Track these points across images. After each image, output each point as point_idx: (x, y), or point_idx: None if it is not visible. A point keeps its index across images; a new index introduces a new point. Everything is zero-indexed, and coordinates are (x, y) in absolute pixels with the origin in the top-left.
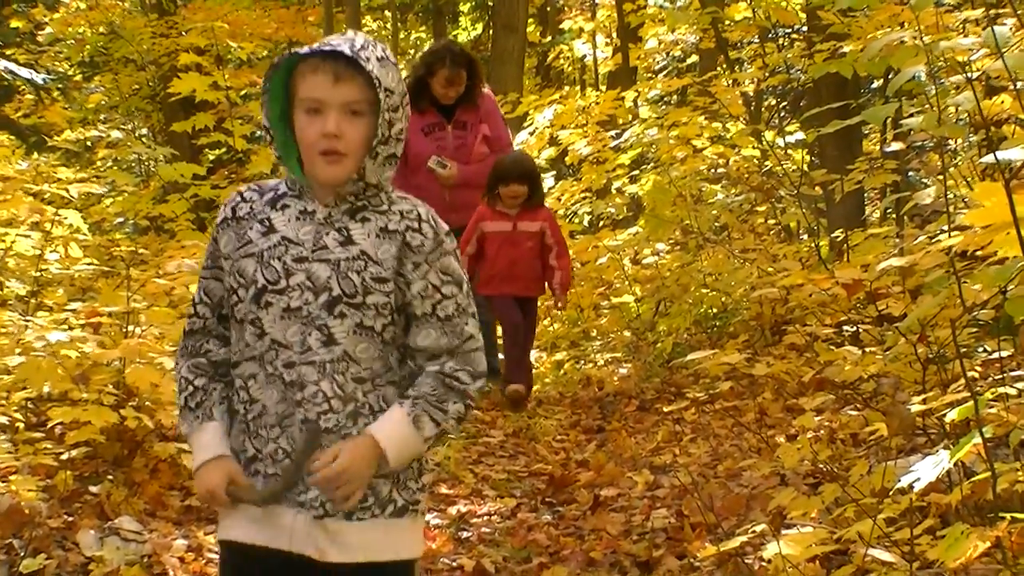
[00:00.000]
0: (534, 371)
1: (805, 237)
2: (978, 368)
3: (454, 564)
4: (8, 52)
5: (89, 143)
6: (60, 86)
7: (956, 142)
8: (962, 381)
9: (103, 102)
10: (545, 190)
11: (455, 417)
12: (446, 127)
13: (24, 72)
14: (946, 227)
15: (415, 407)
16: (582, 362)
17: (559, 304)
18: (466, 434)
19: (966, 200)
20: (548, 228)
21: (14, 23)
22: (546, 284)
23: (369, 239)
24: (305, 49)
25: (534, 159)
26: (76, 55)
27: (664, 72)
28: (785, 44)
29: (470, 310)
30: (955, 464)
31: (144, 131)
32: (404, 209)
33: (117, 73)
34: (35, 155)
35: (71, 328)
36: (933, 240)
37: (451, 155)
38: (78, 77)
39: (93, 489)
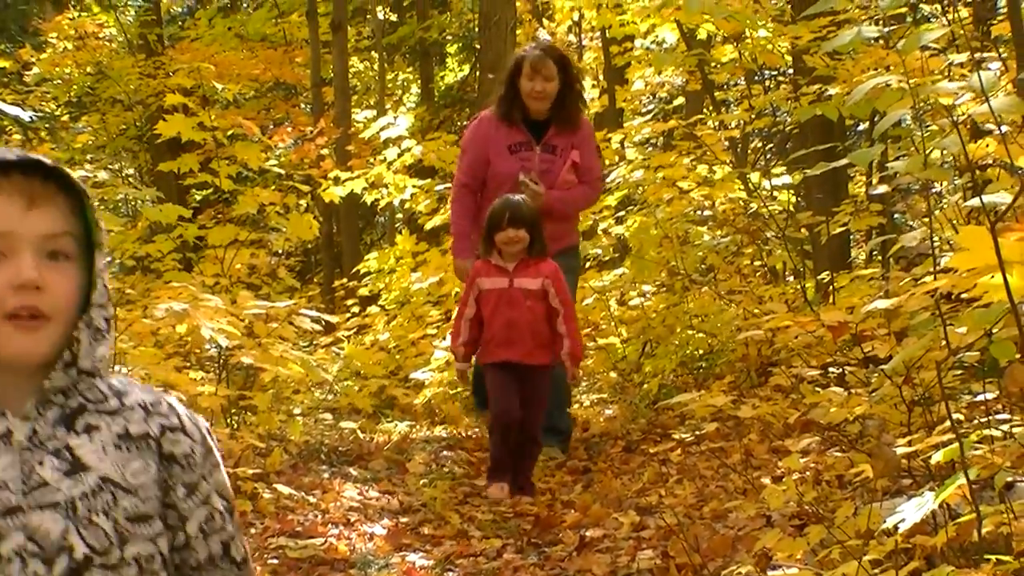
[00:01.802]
0: None
1: (791, 279)
2: (963, 410)
3: None
4: None
5: None
6: (47, 126)
7: (941, 185)
8: (947, 423)
9: (90, 142)
10: None
11: None
12: (533, 148)
13: (12, 110)
14: (931, 270)
15: None
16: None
17: (571, 378)
18: (452, 475)
19: (951, 243)
20: (552, 286)
21: (1, 63)
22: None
23: (108, 456)
24: None
25: (533, 207)
26: (63, 95)
27: (651, 114)
28: (771, 86)
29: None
30: (940, 506)
31: (131, 171)
32: (145, 401)
33: (104, 113)
34: None
35: None
36: (918, 282)
37: None
38: (65, 117)
39: None
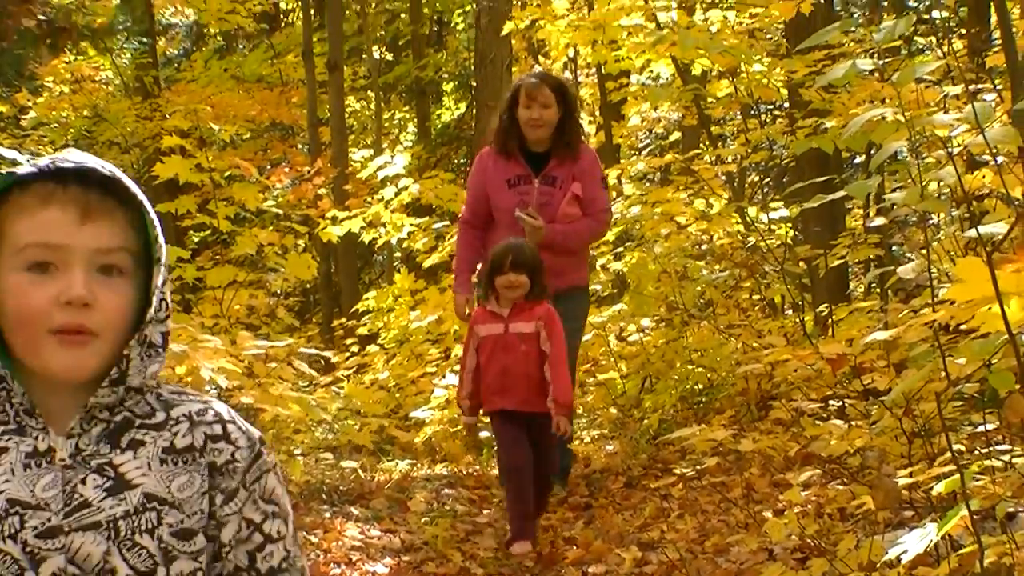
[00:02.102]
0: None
1: (790, 312)
2: (964, 441)
3: None
4: None
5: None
6: None
7: (939, 217)
8: (948, 454)
9: None
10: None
11: None
12: (532, 180)
13: (9, 154)
14: (930, 301)
15: None
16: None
17: (559, 428)
18: (454, 513)
19: (949, 274)
20: (544, 329)
21: None
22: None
23: (152, 472)
24: (27, 167)
25: (535, 250)
26: (60, 138)
27: (647, 149)
28: (767, 120)
29: (300, 564)
30: (942, 537)
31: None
32: (191, 411)
33: (102, 156)
34: None
35: None
36: (917, 314)
37: None
38: None
39: None
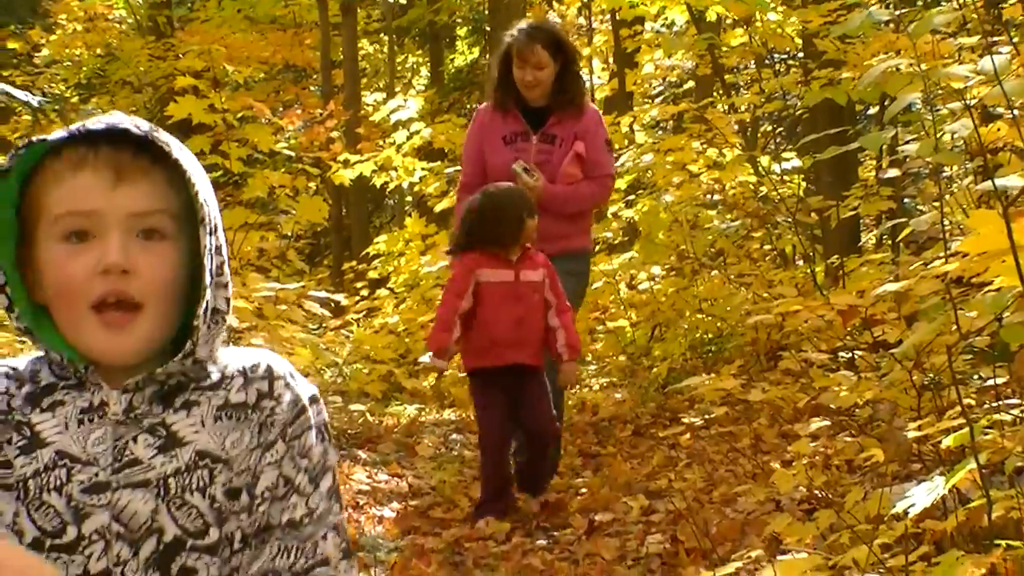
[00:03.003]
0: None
1: (801, 263)
2: (974, 395)
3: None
4: (5, 73)
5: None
6: (57, 108)
7: (952, 169)
8: (957, 408)
9: None
10: None
11: None
12: (530, 137)
13: (20, 94)
14: (942, 254)
15: None
16: (577, 386)
17: (564, 380)
18: (461, 459)
19: (962, 227)
20: (547, 277)
21: (11, 44)
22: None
23: (206, 428)
24: (59, 133)
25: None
26: (73, 77)
27: (660, 98)
28: (781, 70)
29: (331, 519)
30: (950, 491)
31: None
32: (244, 367)
33: (114, 95)
34: None
35: None
36: (929, 267)
37: None
38: (75, 99)
39: None
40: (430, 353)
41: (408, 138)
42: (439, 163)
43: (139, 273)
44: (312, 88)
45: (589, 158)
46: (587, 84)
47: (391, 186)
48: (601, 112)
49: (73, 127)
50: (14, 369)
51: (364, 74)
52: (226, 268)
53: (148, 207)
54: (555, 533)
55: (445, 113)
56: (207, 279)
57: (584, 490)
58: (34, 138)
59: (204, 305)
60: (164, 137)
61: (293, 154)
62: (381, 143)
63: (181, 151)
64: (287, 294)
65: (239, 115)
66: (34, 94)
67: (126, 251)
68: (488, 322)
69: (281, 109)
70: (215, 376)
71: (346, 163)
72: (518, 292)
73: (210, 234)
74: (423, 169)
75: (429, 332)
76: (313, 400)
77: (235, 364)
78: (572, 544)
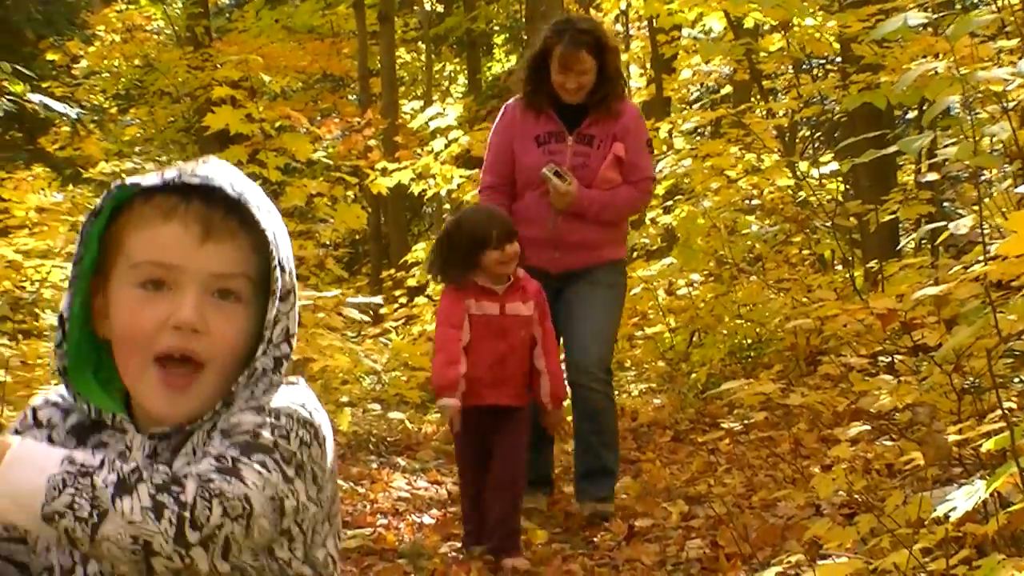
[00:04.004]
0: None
1: (839, 268)
2: (1014, 398)
3: None
4: (44, 85)
5: (124, 175)
6: (95, 119)
7: (991, 172)
8: (998, 411)
9: (138, 135)
10: None
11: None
12: (566, 138)
13: (59, 106)
14: (981, 257)
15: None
16: (616, 392)
17: (548, 422)
18: None
19: (1001, 230)
20: (538, 310)
21: (50, 56)
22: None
23: None
24: (151, 177)
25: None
26: (112, 88)
27: (698, 103)
28: (819, 75)
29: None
30: (991, 494)
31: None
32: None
33: (152, 106)
34: (70, 187)
35: None
36: (968, 270)
37: None
38: (113, 110)
39: None
40: (443, 399)
41: (446, 146)
42: (477, 170)
43: (208, 333)
44: (350, 97)
45: (628, 160)
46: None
47: (429, 194)
48: (640, 115)
49: (168, 174)
50: (63, 397)
51: (402, 82)
52: (291, 331)
53: (229, 269)
54: (595, 539)
55: (483, 121)
56: (261, 349)
57: (624, 495)
58: (128, 180)
59: (252, 370)
60: (255, 199)
61: (331, 163)
62: (419, 151)
63: (269, 214)
64: (326, 302)
65: (277, 124)
66: (72, 105)
67: (200, 310)
68: (469, 358)
69: (319, 118)
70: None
71: (384, 171)
72: (504, 327)
73: (281, 300)
74: (461, 177)
75: (433, 370)
76: (272, 426)
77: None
78: (612, 550)
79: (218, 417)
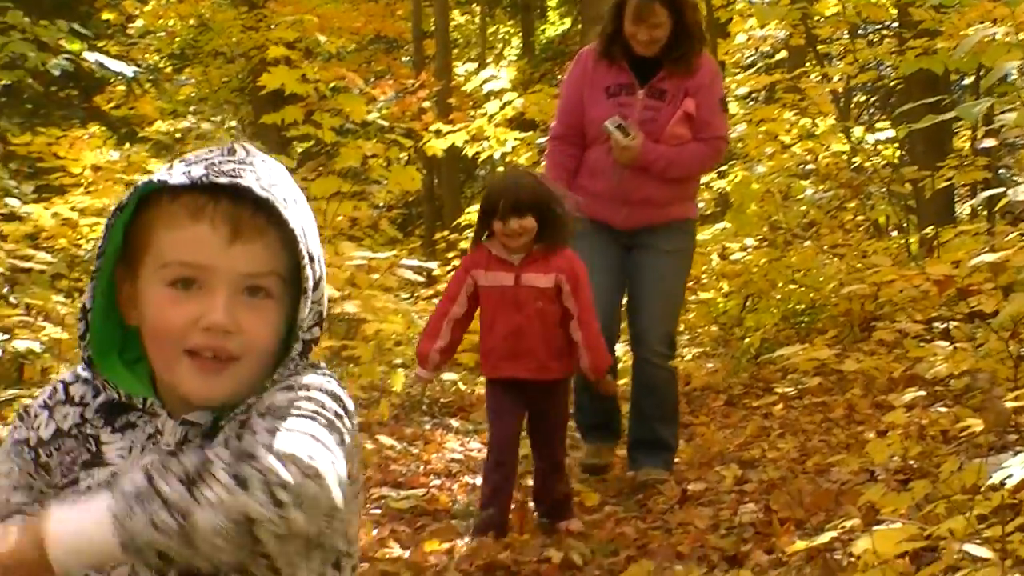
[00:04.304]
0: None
1: (894, 234)
2: None
3: (542, 556)
4: (100, 44)
5: (179, 135)
6: (150, 78)
7: None
8: None
9: (193, 94)
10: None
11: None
12: (636, 91)
13: (115, 65)
14: None
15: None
16: None
17: (598, 390)
18: None
19: None
20: (567, 282)
21: (105, 15)
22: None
23: None
24: (173, 174)
25: (544, 180)
26: (166, 48)
27: (753, 68)
28: (875, 40)
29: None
30: None
31: (233, 123)
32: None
33: (207, 66)
34: (126, 146)
35: None
36: None
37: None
38: (168, 69)
39: None
40: (417, 371)
41: (500, 108)
42: (531, 133)
43: (240, 332)
44: (403, 59)
45: (699, 118)
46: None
47: (483, 156)
48: (719, 71)
49: (196, 172)
50: (92, 375)
51: (455, 44)
52: (323, 314)
53: (259, 268)
54: (647, 502)
55: (536, 83)
56: (297, 345)
57: (676, 459)
58: (155, 177)
59: (284, 363)
60: (283, 192)
61: (385, 124)
62: (473, 113)
63: (297, 205)
64: (379, 263)
65: (331, 85)
66: (128, 64)
67: (230, 311)
68: (484, 330)
69: (373, 80)
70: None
71: (438, 133)
72: (517, 298)
73: (312, 289)
74: (515, 139)
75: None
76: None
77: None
78: (665, 513)
79: (249, 409)
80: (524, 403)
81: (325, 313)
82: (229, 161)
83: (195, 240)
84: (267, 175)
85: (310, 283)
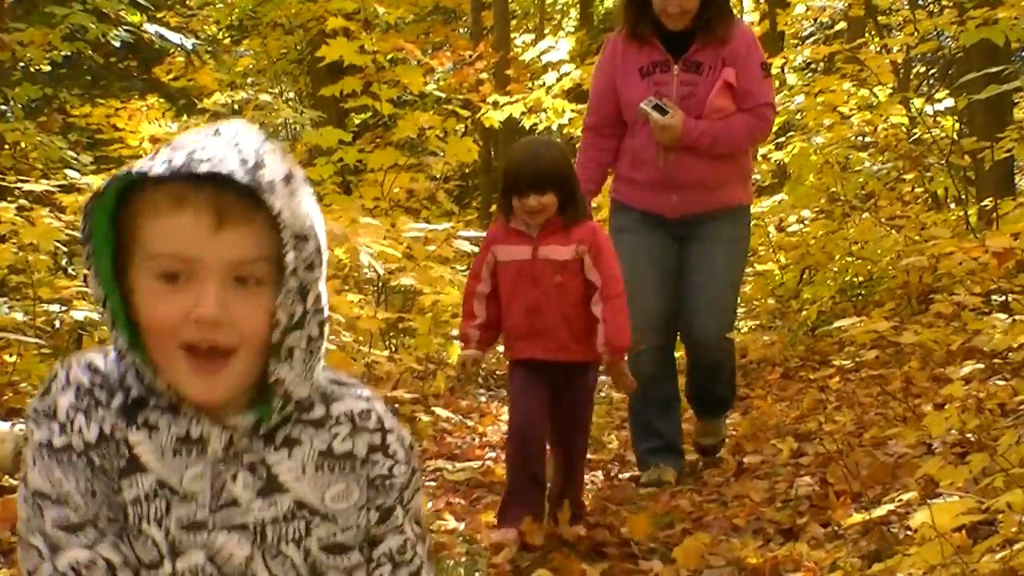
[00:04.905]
0: None
1: (953, 206)
2: None
3: (598, 522)
4: (159, 15)
5: (237, 106)
6: (209, 50)
7: None
8: None
9: (251, 66)
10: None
11: None
12: (671, 68)
13: (174, 37)
14: None
15: None
16: None
17: (610, 376)
18: (609, 400)
19: None
20: (588, 254)
21: None
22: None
23: (306, 476)
24: (156, 163)
25: (563, 148)
26: (225, 19)
27: (812, 39)
28: (935, 10)
29: (421, 556)
30: None
31: (291, 95)
32: (353, 411)
33: (265, 37)
34: (184, 118)
35: None
36: None
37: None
38: (227, 41)
39: None
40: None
41: (557, 80)
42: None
43: (233, 322)
44: (461, 30)
45: (741, 87)
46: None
47: (540, 128)
48: (754, 37)
49: (177, 159)
50: (97, 373)
51: (513, 16)
52: (323, 299)
53: (248, 255)
54: (703, 475)
55: (594, 55)
56: (289, 320)
57: (733, 432)
58: (133, 169)
59: (282, 348)
60: (271, 173)
61: (443, 95)
62: (530, 85)
63: (287, 189)
64: (436, 235)
65: (389, 56)
66: (187, 36)
67: (221, 301)
68: (504, 308)
69: (431, 51)
70: (319, 411)
71: (495, 105)
72: (534, 272)
73: (308, 270)
74: (572, 111)
75: None
76: (415, 453)
77: (343, 405)
78: (720, 486)
79: (288, 404)
80: (548, 389)
81: (325, 298)
82: (214, 145)
83: (179, 230)
84: (253, 153)
85: (290, 268)
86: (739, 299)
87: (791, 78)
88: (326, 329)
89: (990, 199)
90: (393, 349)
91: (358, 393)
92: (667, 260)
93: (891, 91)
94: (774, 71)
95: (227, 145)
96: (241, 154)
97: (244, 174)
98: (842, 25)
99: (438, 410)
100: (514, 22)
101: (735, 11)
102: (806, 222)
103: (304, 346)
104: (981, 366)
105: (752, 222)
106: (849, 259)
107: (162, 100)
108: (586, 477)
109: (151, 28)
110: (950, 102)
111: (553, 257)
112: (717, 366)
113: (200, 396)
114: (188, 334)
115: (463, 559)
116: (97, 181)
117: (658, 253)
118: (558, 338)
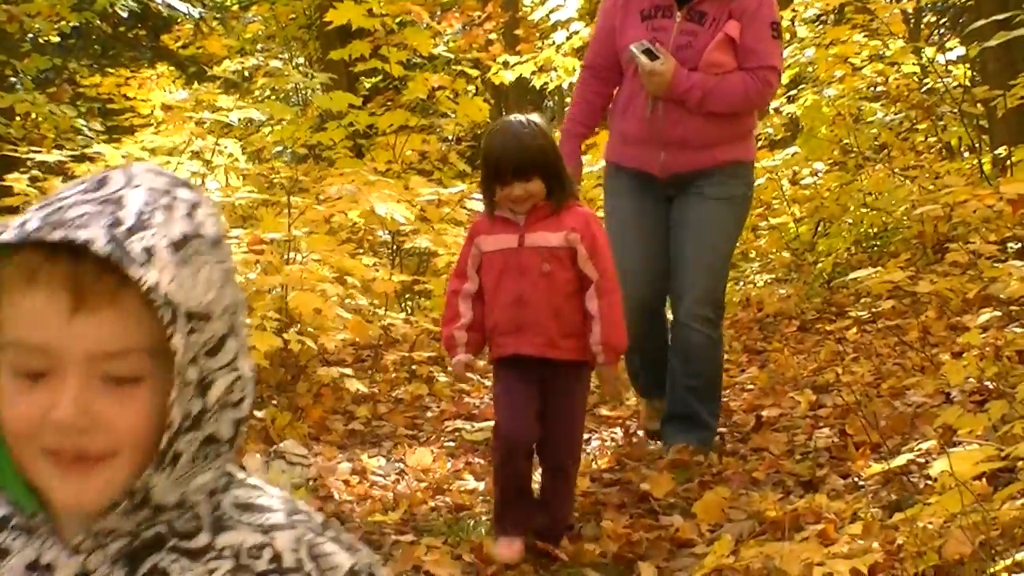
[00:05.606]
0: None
1: (967, 155)
2: None
3: (617, 479)
4: None
5: (247, 73)
6: (217, 16)
7: None
8: None
9: (260, 32)
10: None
11: None
12: (673, 13)
13: (181, 5)
14: None
15: None
16: (741, 283)
17: (600, 380)
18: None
19: None
20: (580, 242)
21: None
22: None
23: None
24: (12, 230)
25: (544, 127)
26: None
27: None
28: None
29: None
30: None
31: (301, 60)
32: (242, 544)
33: (274, 3)
34: (194, 85)
35: (233, 255)
36: None
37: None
38: (235, 7)
39: (258, 414)
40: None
41: (567, 38)
42: None
43: (102, 426)
44: None
45: (745, 45)
46: None
47: (551, 87)
48: None
49: (31, 224)
50: None
51: None
52: (239, 384)
53: (113, 346)
54: (723, 428)
55: None
56: (181, 422)
57: (751, 386)
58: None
59: (168, 454)
60: (152, 238)
61: (452, 56)
62: (540, 44)
63: (175, 256)
64: (449, 197)
65: (398, 19)
66: (195, 4)
67: (83, 404)
68: (488, 304)
69: (439, 12)
70: (201, 540)
71: (505, 64)
72: (520, 262)
73: (209, 355)
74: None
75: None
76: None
77: (232, 537)
78: (740, 440)
79: (183, 514)
80: (536, 390)
81: (250, 390)
82: (82, 202)
83: (30, 312)
84: (135, 216)
85: (179, 357)
86: (755, 253)
87: (802, 30)
88: (243, 428)
89: (1004, 147)
90: (409, 311)
91: (264, 522)
92: (657, 226)
93: (902, 41)
94: (785, 23)
95: (100, 203)
96: (114, 215)
97: (106, 242)
98: None
99: None
100: None
101: None
102: (820, 174)
103: (195, 449)
104: (998, 314)
105: (766, 176)
106: (864, 210)
107: (172, 68)
108: (605, 433)
109: None
110: (961, 50)
111: (542, 244)
112: (695, 352)
113: (70, 501)
114: (50, 440)
115: (483, 518)
116: (108, 150)
117: (647, 219)
118: (546, 333)
